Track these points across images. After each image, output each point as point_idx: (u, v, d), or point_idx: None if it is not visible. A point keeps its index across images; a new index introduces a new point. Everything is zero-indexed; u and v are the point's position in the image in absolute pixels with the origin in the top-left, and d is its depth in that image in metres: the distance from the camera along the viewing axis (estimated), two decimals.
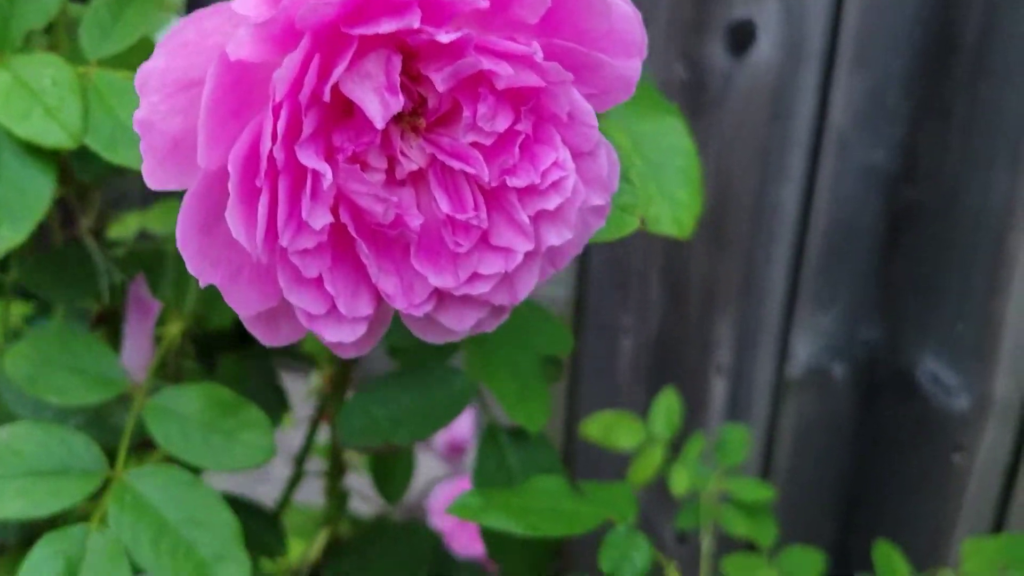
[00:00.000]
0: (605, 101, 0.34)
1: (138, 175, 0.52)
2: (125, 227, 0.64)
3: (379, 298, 0.33)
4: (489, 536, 0.56)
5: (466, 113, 0.32)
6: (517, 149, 0.32)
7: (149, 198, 0.66)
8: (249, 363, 0.60)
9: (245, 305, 0.33)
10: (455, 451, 0.99)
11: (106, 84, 0.43)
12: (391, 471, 0.67)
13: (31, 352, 0.49)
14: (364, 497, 0.75)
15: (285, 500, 0.64)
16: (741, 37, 0.89)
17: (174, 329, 0.51)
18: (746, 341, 0.99)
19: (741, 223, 0.95)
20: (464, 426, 1.00)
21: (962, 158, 0.85)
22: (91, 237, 0.52)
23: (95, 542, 0.45)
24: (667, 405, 0.85)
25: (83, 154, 0.44)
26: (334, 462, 0.62)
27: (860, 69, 0.87)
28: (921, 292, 0.91)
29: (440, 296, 0.34)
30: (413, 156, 0.33)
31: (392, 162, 0.33)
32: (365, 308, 0.33)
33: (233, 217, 0.30)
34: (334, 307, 0.32)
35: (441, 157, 0.32)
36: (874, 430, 0.98)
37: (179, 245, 0.31)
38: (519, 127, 0.32)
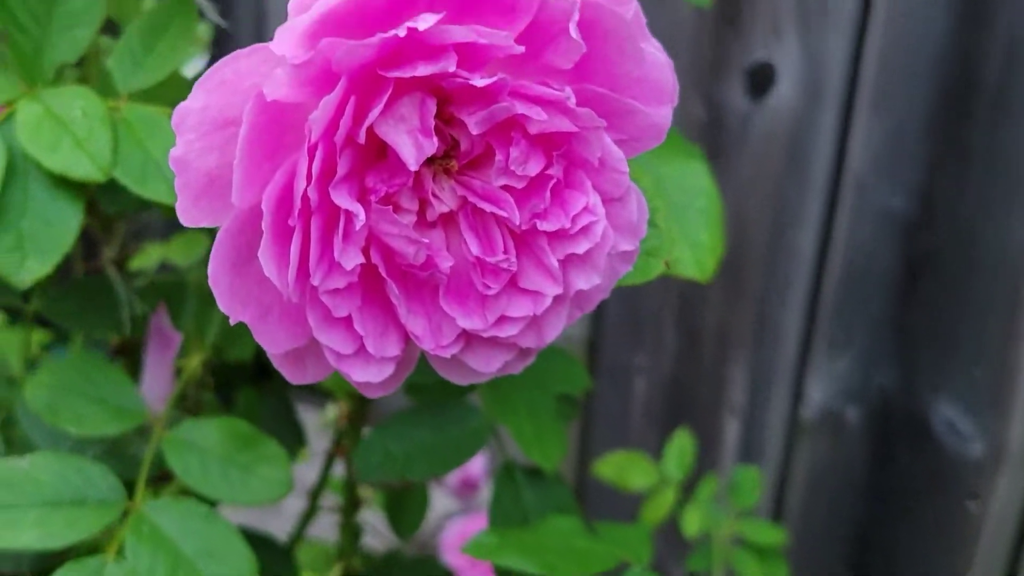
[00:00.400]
0: (636, 147, 0.34)
1: (161, 208, 0.52)
2: (146, 258, 0.64)
3: (407, 339, 0.33)
4: (503, 575, 0.55)
5: (498, 157, 0.32)
6: (548, 193, 0.32)
7: (170, 230, 0.66)
8: (266, 397, 0.60)
9: (274, 344, 0.33)
10: (467, 488, 0.99)
11: (137, 117, 0.43)
12: (405, 507, 0.66)
13: (51, 380, 0.49)
14: (375, 533, 0.74)
15: (298, 534, 0.64)
16: (760, 79, 0.89)
17: (195, 361, 0.51)
18: (760, 383, 0.99)
19: (757, 266, 0.95)
20: (476, 463, 1.00)
21: (980, 203, 0.85)
22: (114, 268, 0.52)
23: (112, 573, 0.45)
24: (680, 447, 0.85)
25: (110, 187, 0.45)
26: (349, 497, 0.62)
27: (879, 113, 0.87)
28: (937, 338, 0.91)
29: (468, 338, 0.34)
30: (444, 198, 0.33)
31: (423, 204, 0.33)
32: (393, 348, 0.33)
33: (266, 256, 0.30)
34: (362, 347, 0.32)
35: (472, 200, 0.32)
36: (888, 475, 0.98)
37: (210, 283, 0.31)
38: (551, 172, 0.32)
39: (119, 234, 0.53)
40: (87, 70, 0.47)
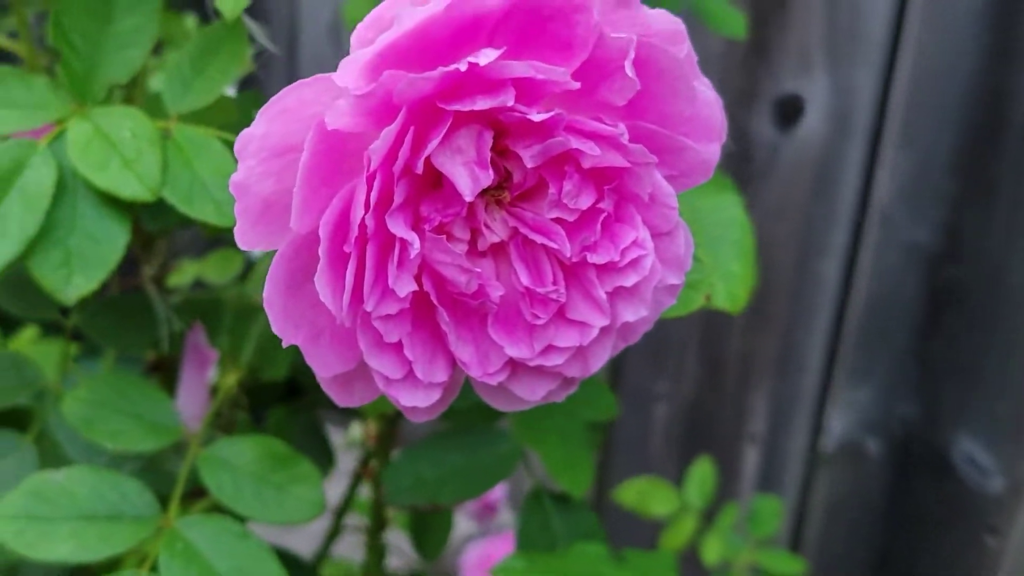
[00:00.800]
0: (684, 183, 0.34)
1: (203, 226, 0.53)
2: (181, 275, 0.65)
3: (454, 365, 0.34)
4: None
5: (551, 190, 0.32)
6: (599, 227, 0.33)
7: (204, 247, 0.67)
8: (296, 416, 0.60)
9: (325, 367, 0.33)
10: (486, 511, 0.99)
11: (185, 139, 0.44)
12: (430, 529, 0.67)
13: (88, 396, 0.50)
14: (399, 553, 0.75)
15: (323, 553, 0.64)
16: (789, 111, 0.90)
17: (231, 379, 0.51)
18: (781, 412, 0.99)
19: (781, 295, 0.95)
20: (496, 487, 1.00)
21: (1006, 237, 0.85)
22: (153, 286, 0.53)
23: None
24: (701, 474, 0.85)
25: (153, 205, 0.45)
26: (376, 517, 0.63)
27: (907, 146, 0.87)
28: (959, 372, 0.91)
29: (514, 366, 0.34)
30: (496, 229, 0.33)
31: (475, 233, 0.33)
32: (441, 374, 0.33)
33: (321, 280, 0.31)
34: (411, 372, 0.33)
35: (524, 231, 0.33)
36: (907, 508, 0.98)
37: (265, 305, 0.32)
38: (601, 205, 0.33)
39: (159, 252, 0.54)
40: (133, 90, 0.48)
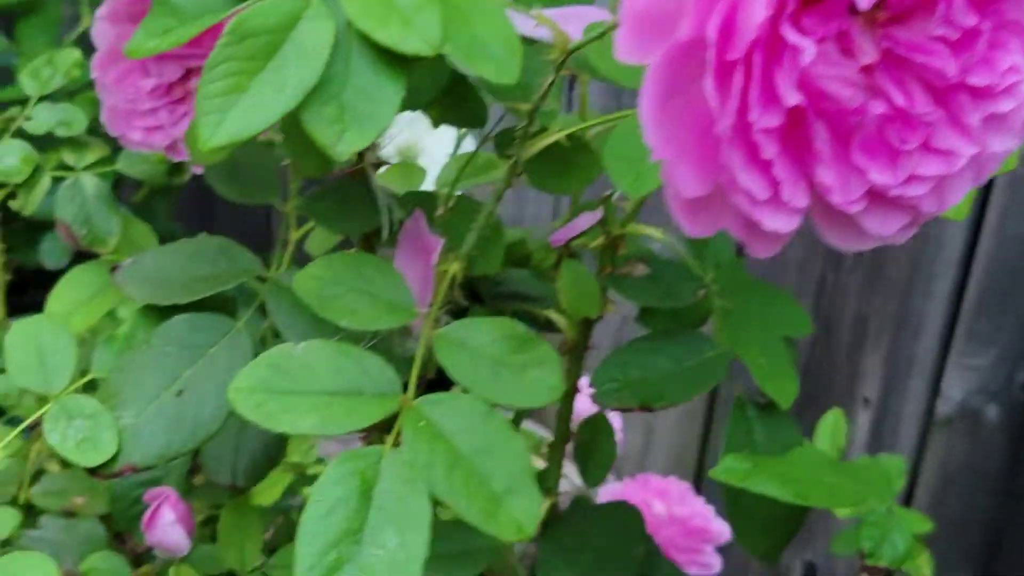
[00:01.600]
0: None
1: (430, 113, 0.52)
2: None
3: (811, 192, 0.33)
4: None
5: (941, 4, 0.32)
6: (979, 48, 0.32)
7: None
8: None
9: (686, 185, 0.33)
10: None
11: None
12: (593, 456, 0.66)
13: (322, 273, 0.49)
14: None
15: None
16: None
17: (454, 267, 0.50)
18: (896, 376, 0.99)
19: (901, 257, 0.95)
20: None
21: None
22: (373, 172, 0.52)
23: (390, 465, 0.44)
24: (834, 423, 0.84)
25: None
26: (560, 429, 0.62)
27: None
28: None
29: (870, 197, 0.33)
30: (867, 50, 0.33)
31: (846, 54, 0.33)
32: (802, 199, 0.33)
33: (709, 86, 0.30)
34: (776, 194, 0.32)
35: (899, 51, 0.32)
36: None
37: (640, 117, 0.32)
38: (982, 27, 0.32)
39: (379, 140, 0.53)
40: None
